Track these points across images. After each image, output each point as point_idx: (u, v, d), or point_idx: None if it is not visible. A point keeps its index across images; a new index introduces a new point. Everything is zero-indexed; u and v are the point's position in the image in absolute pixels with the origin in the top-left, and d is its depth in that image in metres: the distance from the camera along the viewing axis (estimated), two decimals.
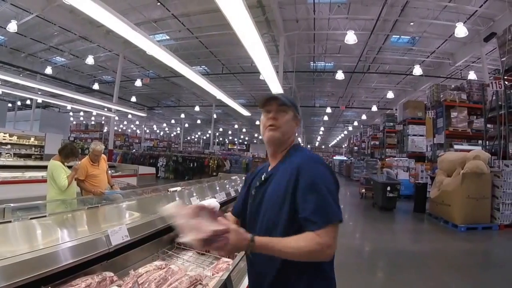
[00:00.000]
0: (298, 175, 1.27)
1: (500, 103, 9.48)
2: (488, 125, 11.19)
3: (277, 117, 1.43)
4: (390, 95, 19.41)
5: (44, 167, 5.71)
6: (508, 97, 9.19)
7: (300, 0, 11.41)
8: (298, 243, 1.16)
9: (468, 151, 9.46)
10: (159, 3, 11.49)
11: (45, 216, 2.03)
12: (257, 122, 34.32)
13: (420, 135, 15.62)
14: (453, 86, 13.76)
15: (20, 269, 1.27)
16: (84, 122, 33.63)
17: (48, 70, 16.23)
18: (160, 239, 2.32)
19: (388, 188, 10.59)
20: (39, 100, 18.29)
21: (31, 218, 1.89)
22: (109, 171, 5.58)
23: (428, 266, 5.22)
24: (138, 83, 17.72)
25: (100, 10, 4.84)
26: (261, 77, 10.14)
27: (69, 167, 4.56)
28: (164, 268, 1.86)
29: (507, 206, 8.13)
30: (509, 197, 8.13)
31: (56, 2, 9.89)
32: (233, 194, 3.89)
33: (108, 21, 5.26)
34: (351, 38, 11.22)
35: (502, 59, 9.39)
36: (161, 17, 12.65)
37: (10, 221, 1.88)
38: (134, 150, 26.64)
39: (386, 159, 16.80)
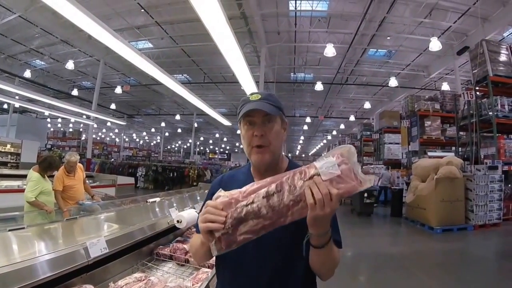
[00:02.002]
0: None
1: (471, 112, 9.95)
2: (460, 133, 11.71)
3: (264, 131, 1.17)
4: (367, 105, 19.90)
5: (20, 176, 5.57)
6: (479, 106, 9.62)
7: (282, 13, 11.66)
8: (337, 252, 1.13)
9: (441, 157, 9.80)
10: (143, 10, 11.45)
11: (23, 228, 2.01)
12: (238, 132, 34.23)
13: (396, 143, 16.05)
14: (427, 96, 14.22)
15: None
16: (61, 129, 32.83)
17: (27, 73, 15.75)
18: (139, 251, 2.33)
19: (365, 195, 10.85)
20: (17, 105, 17.74)
21: (9, 230, 1.87)
22: (87, 181, 5.52)
23: (406, 267, 5.40)
24: (118, 90, 17.33)
25: (81, 15, 4.82)
26: (242, 87, 10.24)
27: (50, 177, 4.58)
28: (144, 280, 1.88)
29: (480, 207, 8.52)
30: (482, 199, 8.54)
31: (39, 3, 9.50)
32: None
33: (88, 26, 5.23)
34: (330, 51, 11.52)
35: (474, 71, 9.84)
36: (144, 24, 12.61)
37: None
38: (112, 159, 26.09)
39: (364, 167, 17.07)
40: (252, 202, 0.95)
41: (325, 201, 0.90)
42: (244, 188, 1.01)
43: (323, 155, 1.03)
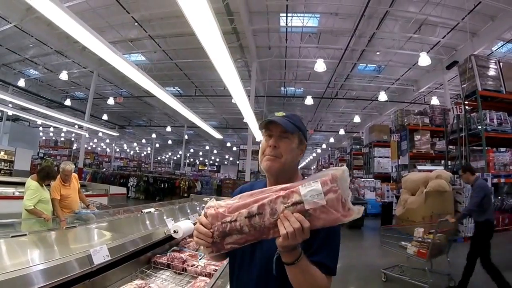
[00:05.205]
0: None
1: (461, 126, 9.98)
2: (450, 147, 11.73)
3: (279, 145, 1.25)
4: (357, 119, 20.12)
5: (15, 183, 5.56)
6: (468, 120, 9.68)
7: (273, 28, 11.90)
8: (319, 276, 1.12)
9: (431, 171, 9.90)
10: (136, 23, 11.62)
11: (25, 234, 2.04)
12: (229, 144, 34.44)
13: (386, 157, 16.14)
14: (416, 111, 14.42)
15: (8, 286, 1.30)
16: (53, 138, 32.79)
17: (21, 82, 15.86)
18: (137, 259, 2.36)
19: None
20: (10, 112, 17.81)
21: (12, 236, 1.90)
22: (82, 190, 5.55)
23: (395, 278, 5.41)
24: (111, 101, 17.51)
25: (77, 27, 4.85)
26: (233, 101, 10.30)
27: (47, 185, 4.67)
28: (144, 287, 1.92)
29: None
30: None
31: (35, 13, 9.77)
32: None
33: (84, 38, 5.26)
34: (320, 66, 11.67)
35: (463, 86, 9.93)
36: (137, 37, 12.79)
37: None
38: (104, 169, 26.10)
39: (355, 180, 17.13)
40: (235, 220, 0.99)
41: (296, 233, 0.93)
42: (232, 201, 1.05)
43: (313, 175, 1.03)
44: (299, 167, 1.39)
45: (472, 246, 4.93)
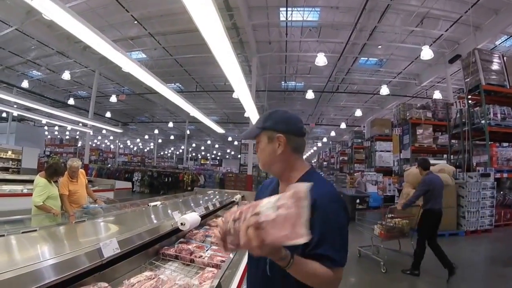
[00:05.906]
0: (314, 212, 1.11)
1: (464, 120, 9.98)
2: (452, 141, 11.74)
3: (257, 150, 1.45)
4: (358, 113, 20.05)
5: (23, 181, 5.64)
6: (471, 114, 9.63)
7: (273, 23, 11.88)
8: (321, 271, 1.16)
9: (434, 165, 9.89)
10: (136, 22, 11.66)
11: (35, 230, 2.08)
12: (230, 138, 34.55)
13: (387, 151, 16.04)
14: (418, 105, 14.28)
15: (21, 281, 1.32)
16: (58, 136, 33.33)
17: (25, 84, 16.15)
18: (146, 251, 2.39)
19: (358, 201, 10.95)
20: (15, 113, 18.29)
21: (22, 232, 1.94)
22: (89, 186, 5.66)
23: (397, 270, 5.47)
24: (113, 99, 17.68)
25: (79, 26, 4.88)
26: (234, 96, 10.31)
27: (56, 182, 4.80)
28: (154, 278, 1.95)
29: (472, 214, 8.58)
30: (474, 206, 8.62)
31: (35, 16, 9.92)
32: (211, 208, 3.93)
33: (86, 37, 5.29)
34: (321, 60, 11.66)
35: (466, 80, 9.83)
36: (137, 35, 12.85)
37: (3, 235, 1.94)
38: (109, 165, 26.46)
39: (355, 174, 17.10)
40: (227, 222, 1.06)
41: (250, 245, 0.95)
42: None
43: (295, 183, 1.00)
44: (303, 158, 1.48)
45: (418, 231, 5.63)
